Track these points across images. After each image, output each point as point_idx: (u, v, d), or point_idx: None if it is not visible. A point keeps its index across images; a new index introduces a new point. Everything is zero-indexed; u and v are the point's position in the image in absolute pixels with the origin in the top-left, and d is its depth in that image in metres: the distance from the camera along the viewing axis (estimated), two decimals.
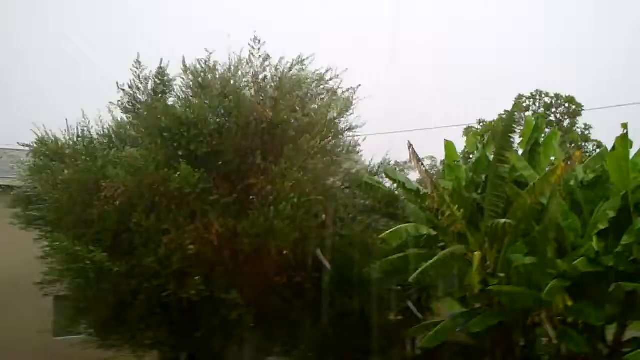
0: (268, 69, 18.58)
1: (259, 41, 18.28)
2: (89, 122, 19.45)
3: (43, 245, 18.51)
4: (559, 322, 16.84)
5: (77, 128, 19.36)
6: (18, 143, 19.86)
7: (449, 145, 20.43)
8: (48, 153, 19.02)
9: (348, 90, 19.17)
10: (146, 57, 18.96)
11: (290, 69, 18.66)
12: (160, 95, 18.81)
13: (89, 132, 19.47)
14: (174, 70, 18.89)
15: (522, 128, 19.41)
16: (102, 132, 19.68)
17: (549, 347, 17.99)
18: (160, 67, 18.75)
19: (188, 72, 18.60)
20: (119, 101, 18.94)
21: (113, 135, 19.59)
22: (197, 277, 16.98)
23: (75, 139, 19.25)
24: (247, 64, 18.54)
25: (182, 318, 17.82)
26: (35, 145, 19.22)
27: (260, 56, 18.40)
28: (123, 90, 18.74)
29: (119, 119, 19.66)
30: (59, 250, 17.29)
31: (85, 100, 20.35)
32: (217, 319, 17.51)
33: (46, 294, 19.11)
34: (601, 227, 17.06)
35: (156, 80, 18.76)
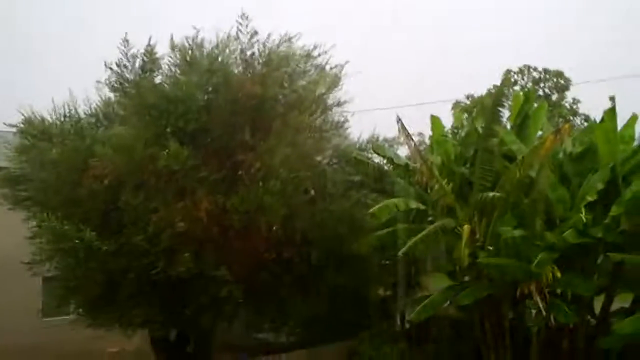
0: (256, 45, 18.55)
1: (247, 17, 18.25)
2: (76, 101, 19.45)
3: (31, 226, 18.46)
4: (548, 293, 16.87)
5: (65, 107, 19.29)
6: (4, 123, 19.80)
7: (435, 120, 20.43)
8: (35, 133, 18.95)
9: (336, 66, 19.19)
10: (134, 35, 18.94)
11: (278, 45, 18.60)
12: (148, 73, 18.74)
13: (77, 111, 19.43)
14: (162, 49, 18.88)
15: (510, 102, 19.32)
16: (89, 111, 19.63)
17: (538, 318, 18.10)
18: (148, 45, 18.68)
19: (176, 49, 18.52)
20: (106, 80, 18.90)
21: (101, 114, 19.57)
22: (186, 255, 16.97)
23: (62, 119, 19.15)
24: (235, 40, 18.50)
25: (171, 295, 17.84)
26: (22, 125, 19.13)
27: (248, 32, 18.35)
28: (111, 68, 18.67)
29: (107, 98, 19.58)
30: (48, 230, 17.24)
31: (72, 79, 20.23)
32: (206, 295, 17.50)
33: (35, 274, 19.07)
34: (590, 199, 17.09)
35: (144, 58, 18.68)
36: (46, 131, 18.88)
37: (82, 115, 19.46)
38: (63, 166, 17.84)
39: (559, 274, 16.60)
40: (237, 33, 18.40)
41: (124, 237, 17.15)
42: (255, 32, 18.40)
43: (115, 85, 18.97)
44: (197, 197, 17.07)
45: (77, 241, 16.81)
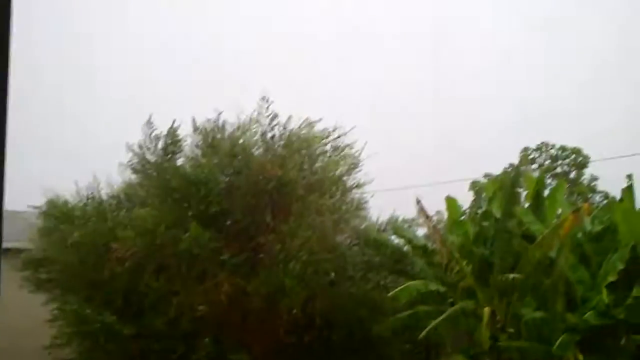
0: (276, 127, 18.85)
1: (268, 100, 18.59)
2: (99, 184, 19.68)
3: (52, 308, 18.53)
4: None
5: (87, 190, 19.51)
6: (28, 205, 19.96)
7: (450, 202, 20.50)
8: (58, 215, 19.18)
9: (353, 146, 19.40)
10: (157, 116, 19.37)
11: (300, 128, 18.88)
12: (170, 155, 19.01)
13: (99, 193, 19.63)
14: (184, 130, 19.22)
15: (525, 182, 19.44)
16: (112, 194, 19.84)
17: None
18: (172, 127, 18.98)
19: (198, 131, 18.86)
20: (128, 162, 19.18)
21: (122, 196, 19.75)
22: (206, 339, 16.97)
23: (85, 201, 19.37)
24: (256, 122, 18.82)
25: None
26: (45, 208, 19.36)
27: (268, 115, 18.69)
28: (133, 150, 18.97)
29: (129, 180, 19.83)
30: (69, 313, 17.38)
31: (95, 162, 20.58)
32: None
33: (55, 358, 18.97)
34: (611, 279, 17.00)
35: (167, 140, 18.98)
36: (69, 213, 19.12)
37: (104, 198, 19.68)
38: (85, 248, 18.03)
39: (581, 357, 16.43)
40: (257, 115, 18.74)
41: (145, 320, 17.22)
42: (276, 115, 18.74)
43: (137, 167, 19.25)
44: (218, 280, 17.15)
45: (97, 324, 16.89)
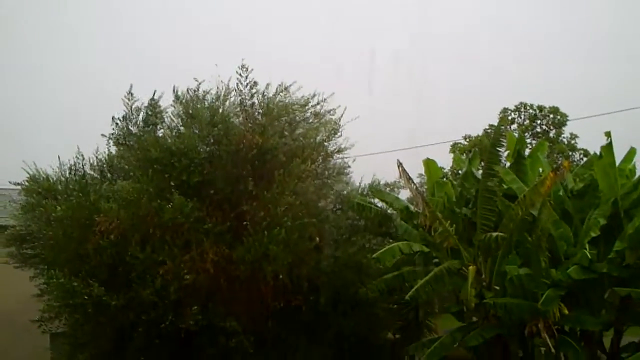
0: (255, 96, 18.83)
1: (247, 69, 18.54)
2: (83, 157, 19.58)
3: (39, 283, 18.54)
4: (556, 330, 16.92)
5: (69, 164, 19.44)
6: (9, 182, 19.91)
7: (430, 164, 20.57)
8: (40, 190, 19.09)
9: (333, 111, 19.45)
10: (137, 88, 19.33)
11: (276, 94, 18.87)
12: (151, 126, 18.95)
13: (82, 167, 19.54)
14: (165, 101, 19.19)
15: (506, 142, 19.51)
16: (94, 167, 19.76)
17: (548, 356, 18.07)
18: (152, 99, 18.91)
19: (178, 102, 18.80)
20: (111, 134, 19.10)
21: (105, 169, 19.69)
22: (194, 307, 17.07)
23: (67, 175, 19.29)
24: (235, 91, 18.79)
25: (181, 348, 17.87)
26: (26, 184, 19.28)
27: (247, 84, 18.63)
28: (116, 123, 18.89)
29: (111, 152, 19.78)
30: (56, 287, 17.33)
31: (77, 135, 20.50)
32: (215, 347, 17.55)
33: (44, 331, 19.05)
34: (593, 234, 17.23)
35: (148, 111, 18.91)
36: (51, 188, 19.05)
37: (87, 171, 19.59)
38: (69, 223, 17.97)
39: (566, 311, 16.68)
40: (237, 84, 18.70)
41: (132, 291, 17.24)
42: (255, 83, 18.70)
43: (119, 139, 19.18)
44: (203, 249, 17.21)
45: (85, 297, 16.89)
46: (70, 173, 19.35)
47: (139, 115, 19.09)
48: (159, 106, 19.22)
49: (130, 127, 19.14)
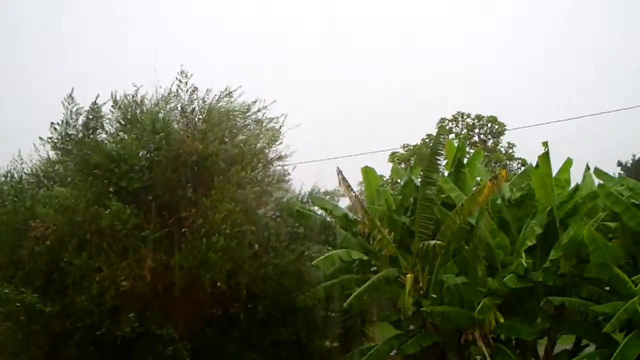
0: (196, 101, 18.76)
1: (187, 74, 18.45)
2: (22, 161, 19.27)
3: None
4: (492, 339, 17.12)
5: (5, 168, 19.10)
6: None
7: (368, 171, 20.66)
8: None
9: (274, 119, 19.49)
10: (79, 92, 19.02)
11: (218, 100, 18.82)
12: (91, 131, 18.68)
13: (20, 171, 19.19)
14: (105, 107, 18.89)
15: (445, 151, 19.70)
16: (30, 171, 19.43)
17: None
18: (94, 103, 18.63)
19: (117, 107, 18.60)
20: (49, 138, 18.78)
21: (42, 174, 19.37)
22: (131, 314, 16.87)
23: (1, 179, 18.94)
24: (175, 96, 18.69)
25: (117, 356, 17.62)
26: None
27: (187, 89, 18.57)
28: (55, 128, 18.59)
29: (49, 157, 19.46)
30: None
31: (16, 138, 20.11)
32: (152, 355, 17.36)
33: None
34: (529, 243, 17.49)
35: (89, 116, 18.64)
36: None
37: (23, 176, 19.25)
38: (3, 228, 17.69)
39: (502, 319, 16.90)
40: (177, 90, 18.60)
41: (68, 298, 17.05)
42: (195, 89, 18.67)
43: (58, 143, 18.87)
44: (140, 256, 17.05)
45: (17, 304, 16.59)
46: (5, 177, 18.96)
47: (78, 119, 18.76)
48: (100, 110, 18.92)
49: (69, 131, 18.80)
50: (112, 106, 18.72)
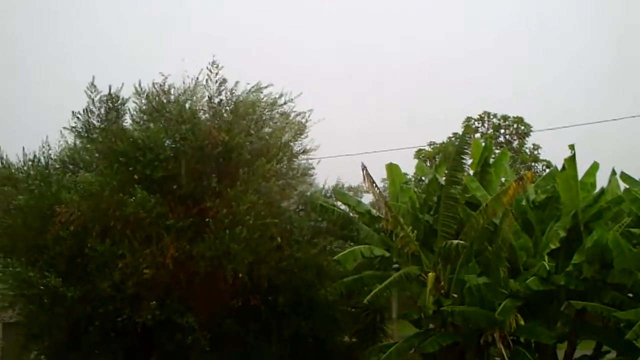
0: (224, 92, 18.74)
1: (217, 65, 18.46)
2: (49, 147, 19.35)
3: None
4: (511, 341, 17.08)
5: (32, 153, 19.20)
6: None
7: (393, 168, 20.63)
8: (1, 178, 18.83)
9: (301, 113, 19.47)
10: (102, 79, 19.03)
11: (247, 94, 18.81)
12: (113, 119, 18.76)
13: (45, 156, 19.29)
14: (129, 93, 18.94)
15: (471, 150, 19.62)
16: (57, 158, 19.54)
17: None
18: (110, 93, 18.70)
19: (142, 95, 18.65)
20: (72, 126, 18.88)
21: (67, 160, 19.47)
22: (152, 302, 16.97)
23: (29, 164, 19.06)
24: (204, 87, 18.72)
25: (137, 343, 17.71)
26: None
27: (216, 80, 18.57)
28: (77, 117, 18.68)
29: (73, 144, 19.54)
30: (12, 276, 17.16)
31: (41, 125, 20.20)
32: (172, 343, 17.40)
33: None
34: (552, 246, 17.45)
35: (109, 104, 18.71)
36: (12, 177, 18.80)
37: (50, 161, 19.37)
38: (29, 212, 17.76)
39: (522, 322, 16.85)
40: (206, 80, 18.61)
41: (90, 283, 17.10)
42: (224, 80, 18.63)
43: (81, 131, 18.97)
44: (163, 244, 17.09)
45: (41, 287, 16.69)
46: (32, 162, 19.08)
47: (101, 107, 18.83)
48: (119, 98, 18.94)
49: (92, 119, 18.88)
50: (136, 93, 18.72)
